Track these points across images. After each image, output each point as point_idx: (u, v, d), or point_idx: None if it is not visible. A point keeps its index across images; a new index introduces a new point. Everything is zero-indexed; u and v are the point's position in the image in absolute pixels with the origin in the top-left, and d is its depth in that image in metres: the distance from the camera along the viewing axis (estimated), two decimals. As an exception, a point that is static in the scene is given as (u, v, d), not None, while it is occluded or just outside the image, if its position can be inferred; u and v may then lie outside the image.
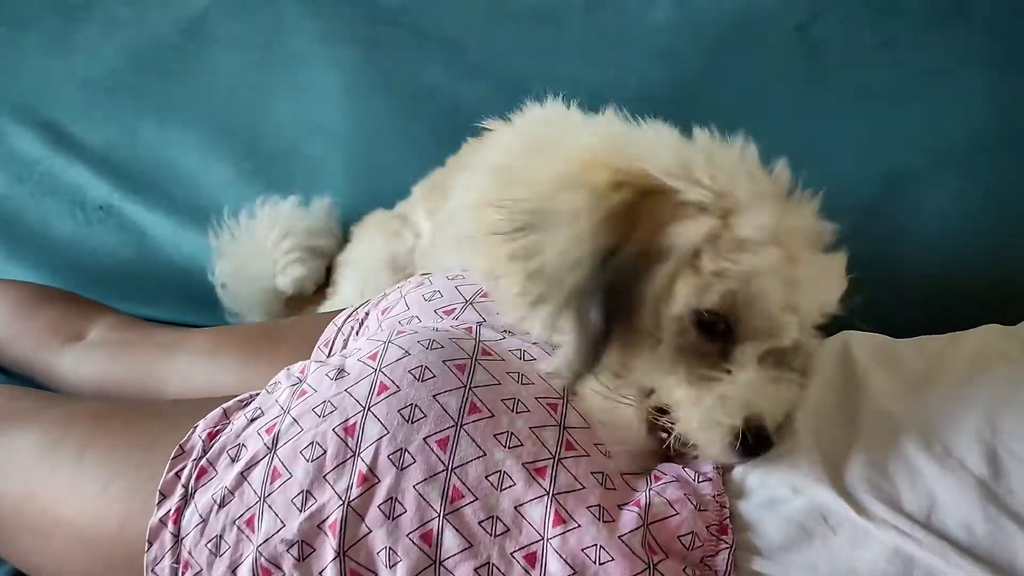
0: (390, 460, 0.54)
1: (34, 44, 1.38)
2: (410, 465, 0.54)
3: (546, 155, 0.66)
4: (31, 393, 0.82)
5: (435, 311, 0.69)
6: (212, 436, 0.60)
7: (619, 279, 0.56)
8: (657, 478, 0.57)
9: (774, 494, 0.55)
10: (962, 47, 1.01)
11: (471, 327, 0.65)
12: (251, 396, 0.64)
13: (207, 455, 0.59)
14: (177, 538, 0.56)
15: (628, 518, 0.53)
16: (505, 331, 0.65)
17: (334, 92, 1.23)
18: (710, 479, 0.57)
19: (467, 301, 0.69)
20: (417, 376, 0.58)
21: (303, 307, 1.11)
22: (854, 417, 0.58)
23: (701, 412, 0.55)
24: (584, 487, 0.54)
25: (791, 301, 0.57)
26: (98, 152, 1.31)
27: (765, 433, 0.55)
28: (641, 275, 0.56)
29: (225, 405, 0.63)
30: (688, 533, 0.53)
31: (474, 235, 0.68)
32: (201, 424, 0.61)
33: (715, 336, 0.57)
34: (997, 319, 0.71)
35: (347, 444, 0.55)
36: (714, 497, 0.55)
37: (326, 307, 1.05)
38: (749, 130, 1.02)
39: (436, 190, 0.94)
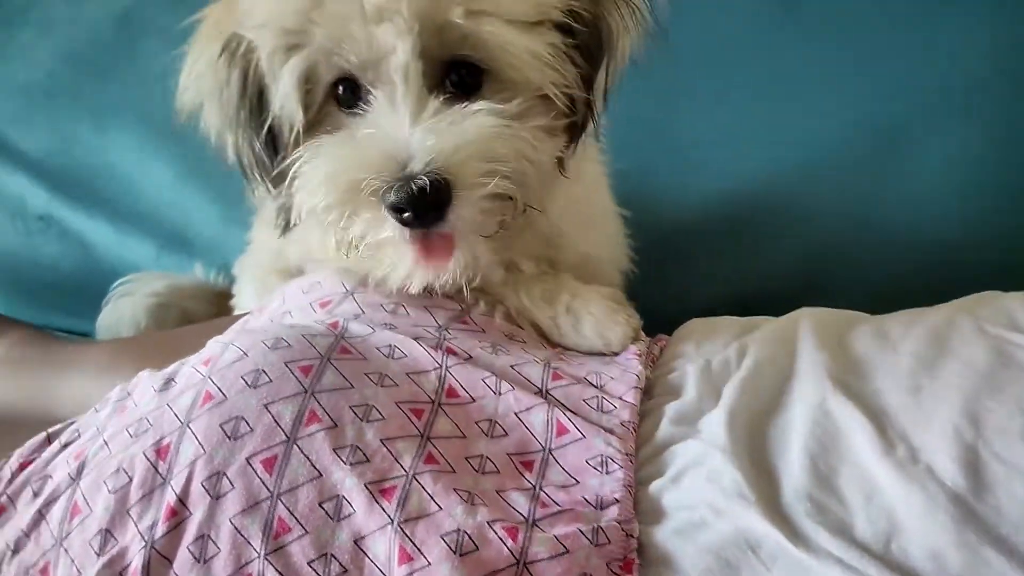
0: (203, 487, 0.43)
1: (-28, 50, 1.32)
2: (227, 493, 0.43)
3: None
4: None
5: (310, 304, 0.58)
6: (23, 467, 0.50)
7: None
8: (544, 504, 0.45)
9: (692, 517, 0.43)
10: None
11: (338, 321, 0.54)
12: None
13: (9, 489, 0.49)
14: (-38, 588, 0.46)
15: (496, 555, 0.41)
16: (386, 325, 0.54)
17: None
18: (616, 500, 0.45)
19: (348, 292, 0.58)
20: (250, 382, 0.47)
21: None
22: (791, 411, 0.45)
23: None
24: (440, 509, 0.42)
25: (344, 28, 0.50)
26: (37, 159, 1.25)
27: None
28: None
29: (52, 428, 0.53)
30: (579, 570, 0.41)
31: None
32: (16, 453, 0.52)
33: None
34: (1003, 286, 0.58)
35: (156, 469, 0.45)
36: (619, 524, 0.43)
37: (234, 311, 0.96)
38: (729, 73, 0.92)
39: None
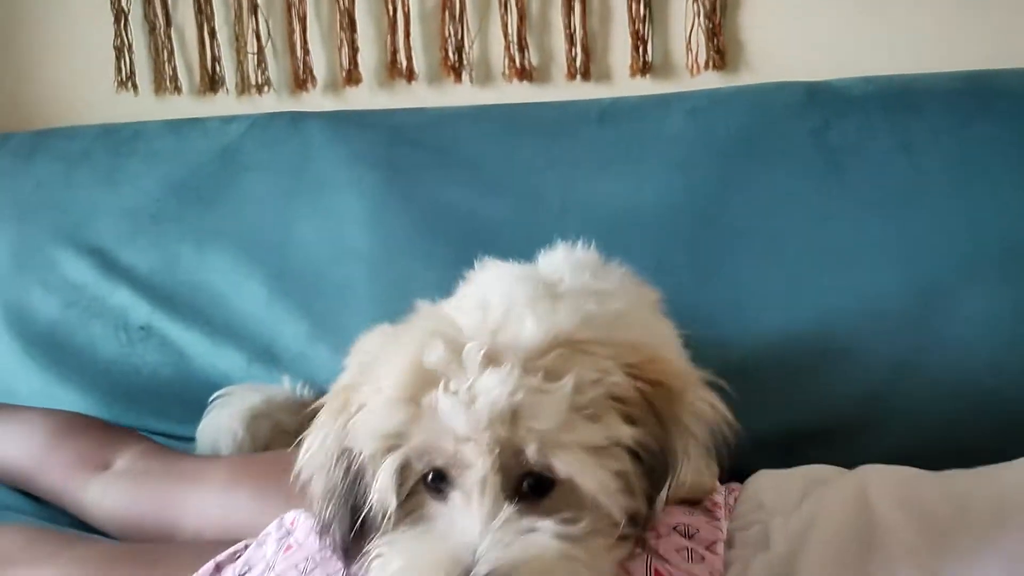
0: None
1: (85, 178, 1.47)
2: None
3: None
4: (49, 535, 0.84)
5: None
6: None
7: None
8: None
9: None
10: (987, 148, 0.98)
11: None
12: (245, 546, 0.64)
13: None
14: None
15: None
16: None
17: (358, 214, 1.27)
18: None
19: None
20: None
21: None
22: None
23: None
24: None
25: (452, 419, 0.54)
26: (141, 276, 1.39)
27: None
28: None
29: (218, 558, 0.63)
30: None
31: None
32: (196, 578, 0.61)
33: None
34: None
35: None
36: None
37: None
38: (769, 239, 1.03)
39: None
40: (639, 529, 0.57)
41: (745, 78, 1.29)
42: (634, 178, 1.15)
